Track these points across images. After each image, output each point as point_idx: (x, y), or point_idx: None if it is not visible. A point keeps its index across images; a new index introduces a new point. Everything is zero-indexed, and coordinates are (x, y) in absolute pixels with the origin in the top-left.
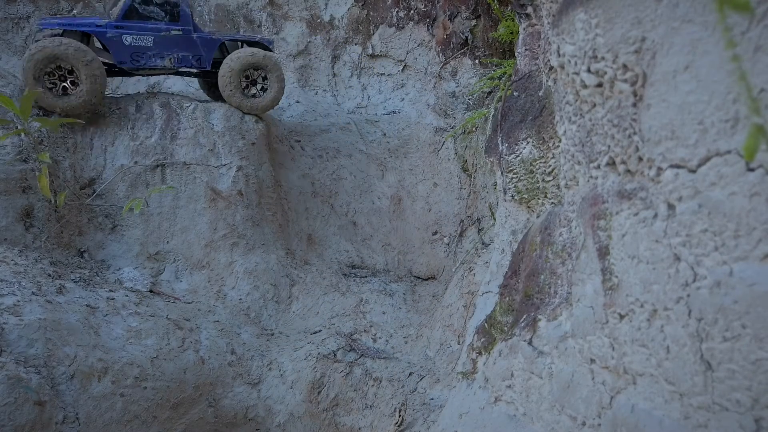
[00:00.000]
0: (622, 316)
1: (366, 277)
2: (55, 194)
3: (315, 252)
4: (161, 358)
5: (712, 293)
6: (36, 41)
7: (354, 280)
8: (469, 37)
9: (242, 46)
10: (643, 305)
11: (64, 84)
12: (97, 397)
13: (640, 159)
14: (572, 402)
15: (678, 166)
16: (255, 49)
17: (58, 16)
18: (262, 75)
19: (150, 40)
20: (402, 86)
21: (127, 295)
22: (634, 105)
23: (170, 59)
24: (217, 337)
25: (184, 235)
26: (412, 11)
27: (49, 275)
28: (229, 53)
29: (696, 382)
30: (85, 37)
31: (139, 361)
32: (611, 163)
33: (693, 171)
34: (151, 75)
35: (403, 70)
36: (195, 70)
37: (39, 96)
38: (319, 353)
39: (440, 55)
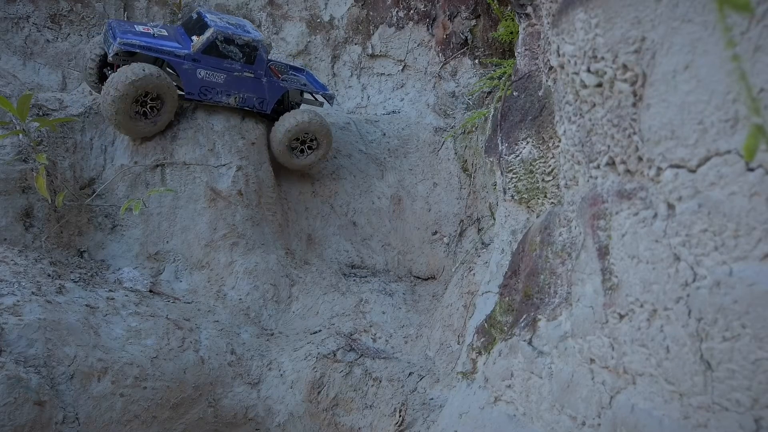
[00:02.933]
0: (621, 316)
1: (366, 277)
2: (54, 194)
3: (315, 252)
4: (161, 358)
5: (711, 293)
6: (112, 54)
7: (354, 280)
8: (468, 37)
9: (302, 95)
10: (643, 305)
11: (145, 110)
12: (97, 397)
13: (640, 159)
14: (572, 402)
15: (678, 166)
16: (311, 114)
17: (131, 25)
18: (312, 138)
19: (222, 77)
20: (402, 86)
21: (126, 295)
22: (634, 105)
23: (236, 98)
24: (217, 337)
25: (184, 235)
26: (411, 11)
27: (49, 275)
28: (289, 97)
29: (696, 382)
30: (158, 60)
31: (139, 361)
32: (611, 163)
33: (693, 171)
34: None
35: (402, 70)
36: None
37: (124, 122)
38: (318, 353)
39: (440, 55)
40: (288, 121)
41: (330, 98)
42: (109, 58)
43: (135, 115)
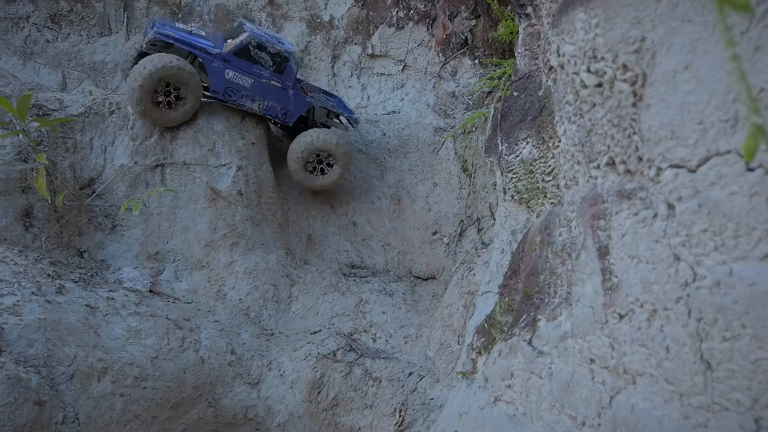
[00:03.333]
0: (621, 316)
1: (366, 277)
2: (54, 194)
3: (315, 252)
4: (161, 358)
5: (711, 293)
6: (146, 42)
7: (354, 280)
8: (468, 37)
9: (329, 115)
10: (643, 305)
11: (169, 99)
12: (97, 397)
13: (640, 159)
14: (572, 402)
15: (678, 166)
16: (329, 134)
17: (171, 22)
18: (329, 158)
19: (249, 81)
20: (402, 86)
21: (126, 295)
22: (634, 105)
23: (259, 105)
24: (217, 337)
25: (184, 235)
26: (411, 11)
27: (49, 275)
28: (314, 115)
29: (696, 382)
30: (192, 56)
31: (139, 361)
32: (611, 163)
33: (693, 171)
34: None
35: (402, 70)
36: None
37: (146, 109)
38: (318, 353)
39: (440, 55)
40: (304, 139)
41: (354, 121)
42: (143, 46)
43: (157, 104)
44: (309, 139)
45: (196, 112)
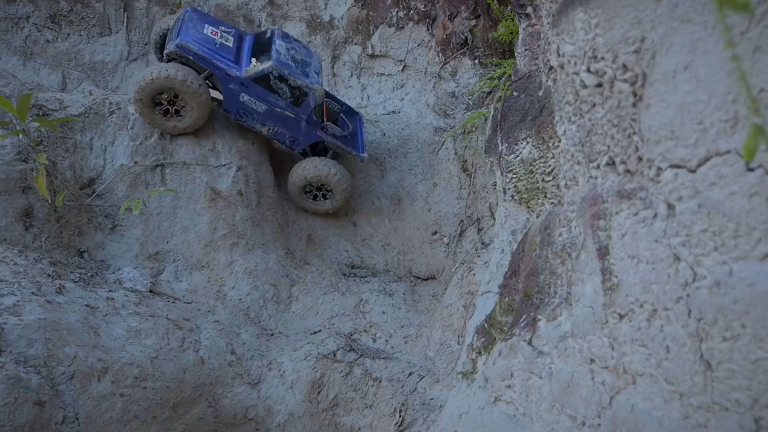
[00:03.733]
0: (621, 316)
1: (366, 277)
2: (54, 194)
3: (315, 252)
4: (161, 358)
5: (711, 293)
6: (167, 53)
7: (354, 280)
8: (468, 37)
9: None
10: (643, 305)
11: (169, 108)
12: (97, 397)
13: (640, 159)
14: (572, 402)
15: (678, 166)
16: (329, 167)
17: (201, 23)
18: (328, 188)
19: (263, 107)
20: (402, 86)
21: (126, 295)
22: (634, 105)
23: (269, 129)
24: (216, 337)
25: (184, 235)
26: (411, 11)
27: (49, 275)
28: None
29: (696, 382)
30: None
31: (139, 361)
32: (611, 163)
33: (693, 171)
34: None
35: (402, 70)
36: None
37: (152, 118)
38: (318, 353)
39: (440, 55)
40: (304, 168)
41: (361, 160)
42: (165, 52)
43: (157, 111)
44: (303, 170)
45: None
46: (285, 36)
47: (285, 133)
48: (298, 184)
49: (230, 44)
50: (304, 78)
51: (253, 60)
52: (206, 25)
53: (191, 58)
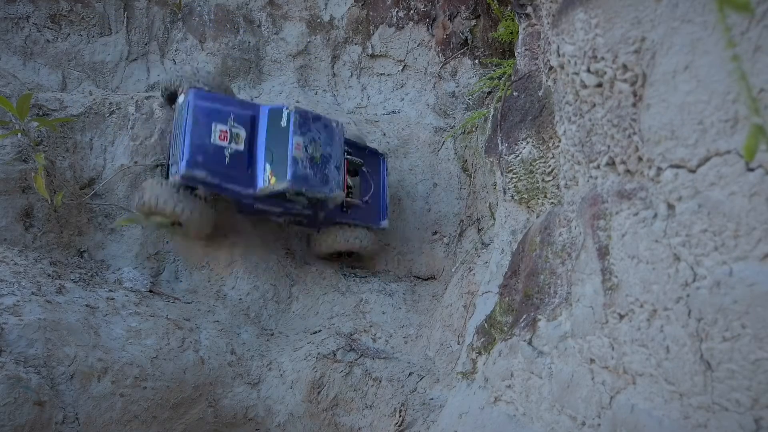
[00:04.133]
0: (621, 316)
1: (366, 277)
2: (53, 194)
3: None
4: (161, 358)
5: (711, 293)
6: (173, 183)
7: (354, 280)
8: (468, 37)
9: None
10: (643, 305)
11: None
12: (97, 397)
13: (640, 159)
14: (572, 402)
15: (678, 166)
16: (362, 241)
17: (208, 127)
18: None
19: (279, 210)
20: (402, 86)
21: (126, 295)
22: (634, 105)
23: (285, 219)
24: (216, 337)
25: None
26: (411, 11)
27: (49, 275)
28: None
29: (696, 382)
30: None
31: (139, 361)
32: (611, 163)
33: (693, 171)
34: None
35: (402, 70)
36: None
37: None
38: (318, 353)
39: (440, 55)
40: (335, 240)
41: (381, 229)
42: (173, 174)
43: (159, 225)
44: (341, 241)
45: None
46: (303, 123)
47: (302, 219)
48: (327, 252)
49: (242, 146)
50: (323, 187)
51: (268, 170)
52: (213, 123)
53: (201, 185)
